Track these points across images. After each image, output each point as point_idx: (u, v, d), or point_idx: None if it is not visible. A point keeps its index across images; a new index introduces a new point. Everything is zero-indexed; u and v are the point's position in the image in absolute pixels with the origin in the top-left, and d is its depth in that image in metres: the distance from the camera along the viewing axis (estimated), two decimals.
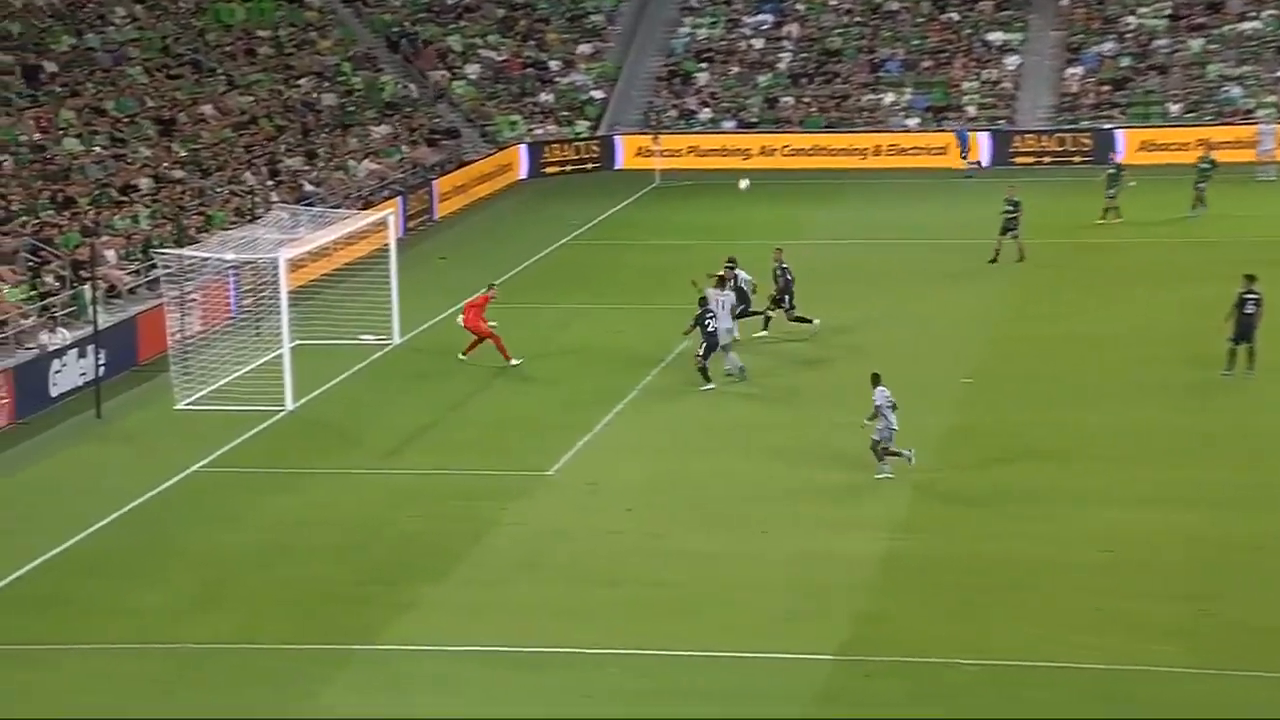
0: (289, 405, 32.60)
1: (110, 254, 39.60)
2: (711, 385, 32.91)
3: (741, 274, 35.84)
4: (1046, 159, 57.96)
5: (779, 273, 36.72)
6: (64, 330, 35.16)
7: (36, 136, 44.84)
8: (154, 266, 37.93)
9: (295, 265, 36.47)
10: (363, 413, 32.73)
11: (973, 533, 25.73)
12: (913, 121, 60.34)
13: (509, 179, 57.93)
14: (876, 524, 25.97)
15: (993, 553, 24.80)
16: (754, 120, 61.40)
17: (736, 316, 34.26)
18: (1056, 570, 24.05)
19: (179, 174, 46.35)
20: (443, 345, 36.49)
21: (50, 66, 49.38)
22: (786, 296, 36.62)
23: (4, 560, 25.06)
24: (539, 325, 37.87)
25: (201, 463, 29.71)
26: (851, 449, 29.25)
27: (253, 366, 34.62)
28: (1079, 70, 61.26)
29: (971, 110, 60.47)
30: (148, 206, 42.94)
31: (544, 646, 21.92)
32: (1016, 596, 23.21)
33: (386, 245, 38.52)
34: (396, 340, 36.53)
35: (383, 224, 39.49)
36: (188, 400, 32.98)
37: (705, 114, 61.86)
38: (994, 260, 42.78)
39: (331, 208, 42.07)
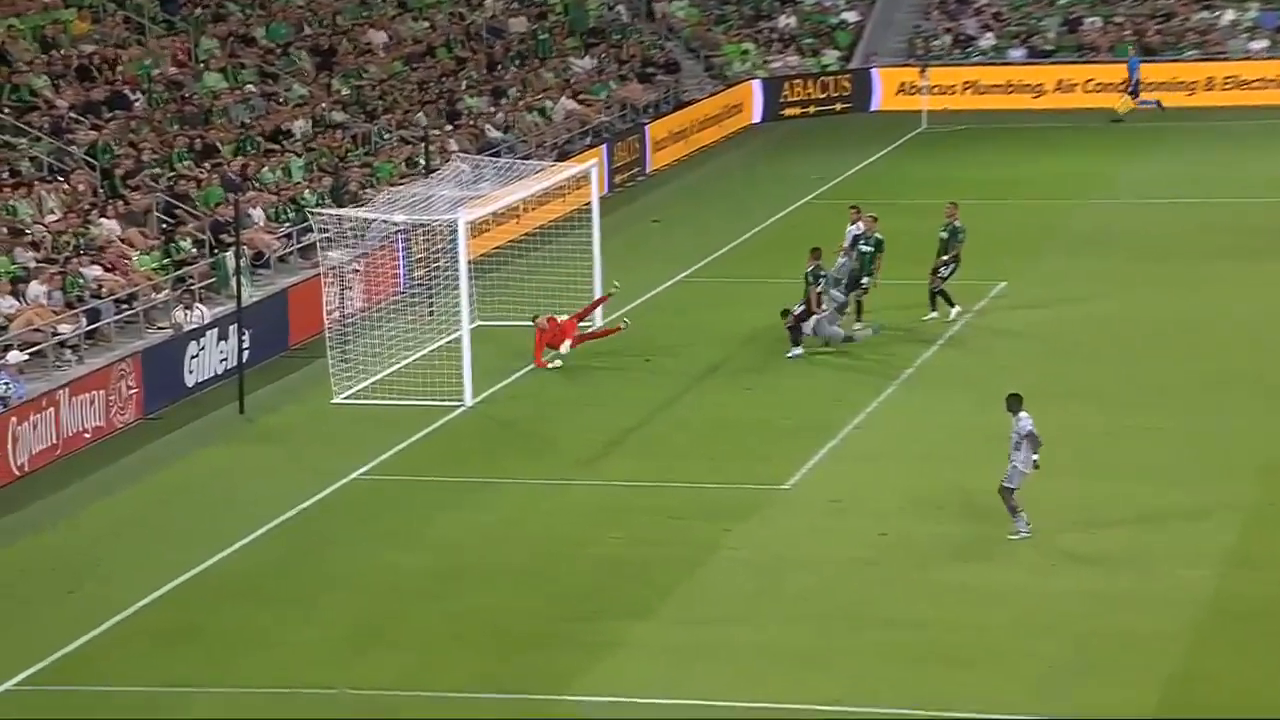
0: (468, 400, 33.10)
1: (257, 214, 40.62)
2: (799, 351, 34.72)
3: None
4: None
5: (951, 234, 36.44)
6: (202, 307, 36.14)
7: (172, 71, 46.13)
8: (309, 230, 38.81)
9: (477, 229, 37.00)
10: (556, 410, 33.10)
11: None
12: (1258, 45, 59.03)
13: (739, 123, 58.08)
14: (1199, 557, 25.59)
15: None
16: (1049, 48, 60.67)
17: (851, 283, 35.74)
18: None
19: (339, 116, 47.36)
20: (655, 328, 36.73)
21: None
22: (953, 265, 36.46)
23: (129, 584, 25.80)
24: (771, 304, 37.81)
25: (363, 469, 30.29)
26: (1163, 462, 28.80)
27: (425, 352, 35.22)
28: None
29: None
30: (301, 156, 43.95)
31: (772, 701, 21.95)
32: None
33: (588, 205, 38.89)
34: (599, 323, 36.82)
35: (584, 179, 39.88)
36: (347, 393, 33.65)
37: (987, 40, 61.31)
38: None
39: (521, 158, 42.62)
